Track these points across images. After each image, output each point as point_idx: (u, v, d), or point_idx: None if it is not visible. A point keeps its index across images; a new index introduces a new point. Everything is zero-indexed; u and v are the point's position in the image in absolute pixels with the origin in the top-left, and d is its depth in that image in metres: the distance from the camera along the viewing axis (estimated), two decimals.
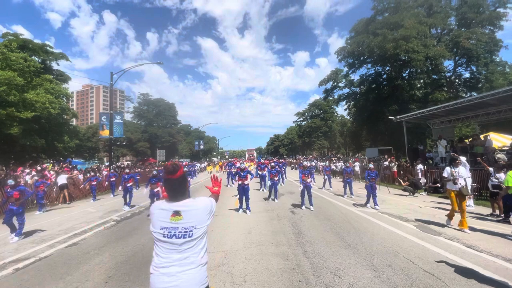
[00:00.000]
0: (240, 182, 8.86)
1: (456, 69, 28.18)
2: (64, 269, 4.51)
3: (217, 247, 5.31)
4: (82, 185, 14.33)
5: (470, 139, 14.18)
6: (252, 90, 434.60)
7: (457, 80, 28.81)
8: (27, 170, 14.50)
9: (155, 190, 8.69)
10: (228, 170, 17.86)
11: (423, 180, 12.98)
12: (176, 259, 1.70)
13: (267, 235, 6.14)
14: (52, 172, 14.75)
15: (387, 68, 29.58)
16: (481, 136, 13.55)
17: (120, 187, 10.66)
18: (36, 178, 9.45)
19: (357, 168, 19.00)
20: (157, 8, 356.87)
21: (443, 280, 3.63)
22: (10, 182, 7.10)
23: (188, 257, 1.72)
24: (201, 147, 56.89)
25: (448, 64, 28.16)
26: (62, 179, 12.67)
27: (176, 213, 1.75)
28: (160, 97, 62.02)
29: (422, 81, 27.95)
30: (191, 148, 63.80)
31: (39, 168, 16.08)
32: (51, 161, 22.71)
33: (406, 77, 28.84)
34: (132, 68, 25.04)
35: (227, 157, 78.53)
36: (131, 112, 57.27)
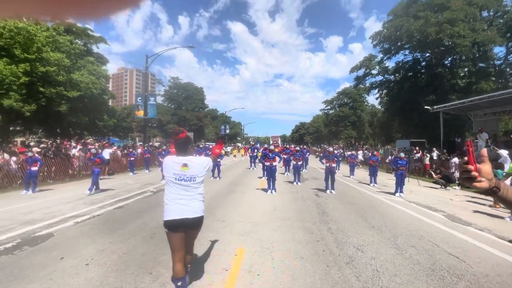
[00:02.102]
0: (268, 163, 9.19)
1: (508, 57, 25.47)
2: (115, 225, 5.20)
3: (246, 218, 5.72)
4: (129, 157, 15.52)
5: None
6: (280, 77, 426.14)
7: (508, 69, 26.08)
8: (74, 144, 16.10)
9: None
10: (251, 154, 18.39)
11: (457, 174, 12.39)
12: (185, 195, 2.55)
13: (292, 212, 6.45)
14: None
15: (427, 54, 27.46)
16: None
17: (160, 158, 12.24)
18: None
19: (360, 157, 21.36)
20: None
21: (467, 263, 3.69)
22: (93, 151, 9.15)
23: (192, 194, 2.58)
24: (227, 131, 58.08)
25: (499, 50, 25.67)
26: (106, 154, 13.91)
27: (185, 165, 2.54)
28: (189, 81, 63.95)
29: (466, 69, 25.66)
30: (217, 132, 65.34)
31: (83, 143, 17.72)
32: (93, 138, 24.78)
33: (448, 64, 26.60)
34: (165, 52, 26.02)
35: (251, 142, 79.56)
36: (162, 95, 59.59)
